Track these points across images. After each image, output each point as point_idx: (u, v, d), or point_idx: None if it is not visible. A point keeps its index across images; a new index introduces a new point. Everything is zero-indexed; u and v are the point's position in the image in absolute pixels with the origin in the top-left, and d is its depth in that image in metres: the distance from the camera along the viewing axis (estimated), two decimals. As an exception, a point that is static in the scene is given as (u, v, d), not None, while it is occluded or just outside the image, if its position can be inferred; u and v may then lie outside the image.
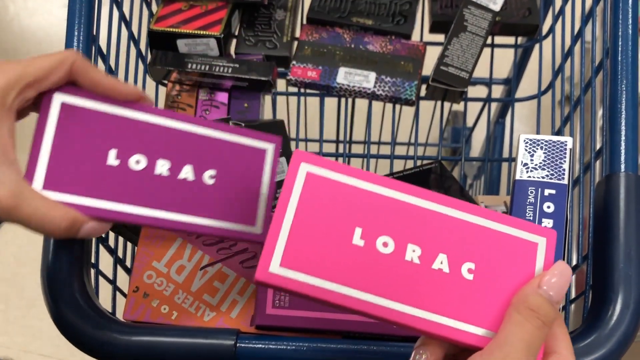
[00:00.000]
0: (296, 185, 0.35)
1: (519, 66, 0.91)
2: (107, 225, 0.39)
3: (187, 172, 0.40)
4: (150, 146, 0.40)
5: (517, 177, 0.46)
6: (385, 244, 0.35)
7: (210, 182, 0.41)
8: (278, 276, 0.33)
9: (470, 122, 1.13)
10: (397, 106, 0.72)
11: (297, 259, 0.34)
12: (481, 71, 0.78)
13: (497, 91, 1.04)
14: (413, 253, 0.35)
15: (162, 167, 0.40)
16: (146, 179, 0.39)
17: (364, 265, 0.34)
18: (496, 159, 0.81)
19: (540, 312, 0.34)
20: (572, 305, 0.52)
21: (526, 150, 0.46)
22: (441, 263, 0.35)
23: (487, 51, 0.76)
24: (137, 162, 0.39)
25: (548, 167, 0.45)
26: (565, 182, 0.45)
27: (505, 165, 0.91)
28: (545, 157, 0.46)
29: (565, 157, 0.46)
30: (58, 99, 0.39)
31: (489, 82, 0.80)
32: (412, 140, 0.82)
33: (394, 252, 0.35)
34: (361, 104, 0.75)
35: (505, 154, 0.98)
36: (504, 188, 0.88)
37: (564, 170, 0.45)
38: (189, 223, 0.40)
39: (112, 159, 0.39)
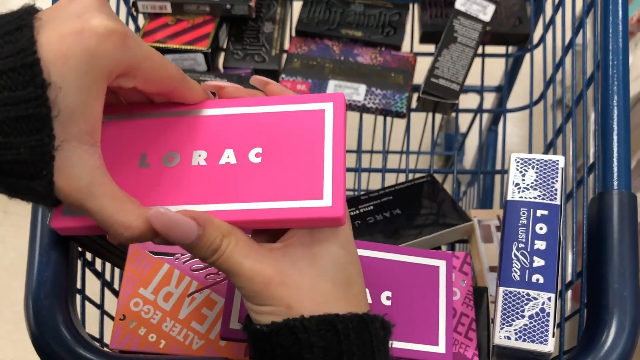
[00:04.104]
0: None
1: (510, 75, 0.91)
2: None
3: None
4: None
5: (509, 197, 0.45)
6: (171, 159, 0.37)
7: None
8: (66, 221, 0.35)
9: (463, 128, 1.12)
10: (388, 117, 0.72)
11: None
12: (473, 79, 0.77)
13: (490, 98, 1.03)
14: (199, 157, 0.36)
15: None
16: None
17: (157, 182, 0.36)
18: (488, 171, 0.80)
19: None
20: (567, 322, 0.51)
21: (517, 169, 0.46)
22: (228, 157, 0.36)
23: (478, 60, 0.75)
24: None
25: (540, 187, 0.45)
26: (558, 202, 0.44)
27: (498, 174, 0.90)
28: (537, 176, 0.45)
29: (557, 177, 0.45)
30: None
31: (480, 90, 0.79)
32: (404, 149, 0.81)
33: (180, 162, 0.36)
34: (352, 115, 0.74)
35: (498, 162, 0.97)
36: (497, 198, 0.87)
37: (556, 190, 0.45)
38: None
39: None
